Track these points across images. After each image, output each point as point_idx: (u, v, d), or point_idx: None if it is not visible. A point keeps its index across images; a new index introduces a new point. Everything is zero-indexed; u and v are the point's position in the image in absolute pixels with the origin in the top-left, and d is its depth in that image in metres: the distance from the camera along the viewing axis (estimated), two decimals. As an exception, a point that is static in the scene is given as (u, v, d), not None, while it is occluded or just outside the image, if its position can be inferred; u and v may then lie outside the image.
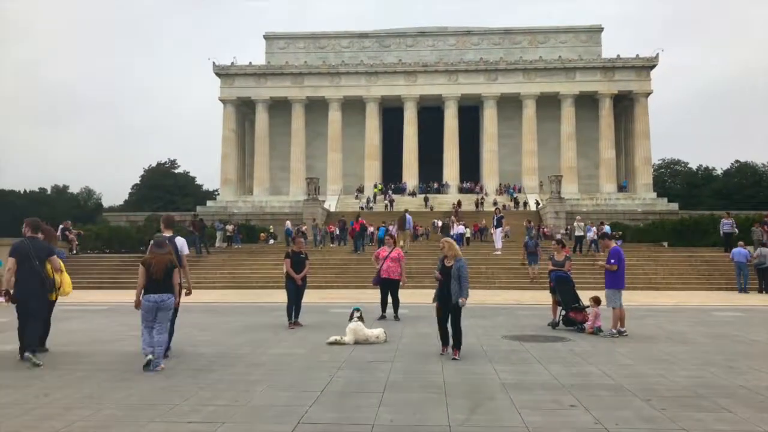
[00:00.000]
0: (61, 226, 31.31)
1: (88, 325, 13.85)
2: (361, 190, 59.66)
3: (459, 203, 50.53)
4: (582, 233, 30.86)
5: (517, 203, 53.86)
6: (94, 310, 17.05)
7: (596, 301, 12.52)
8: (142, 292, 8.65)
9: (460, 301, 9.30)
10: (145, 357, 8.43)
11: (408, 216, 31.45)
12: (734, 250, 24.30)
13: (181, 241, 10.05)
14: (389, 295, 14.51)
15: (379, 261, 14.53)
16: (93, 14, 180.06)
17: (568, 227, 32.63)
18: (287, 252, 14.05)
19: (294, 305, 13.32)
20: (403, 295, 16.31)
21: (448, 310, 9.46)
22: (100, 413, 6.27)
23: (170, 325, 9.15)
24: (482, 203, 53.32)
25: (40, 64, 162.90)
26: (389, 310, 14.51)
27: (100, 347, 10.55)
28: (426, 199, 55.18)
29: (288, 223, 37.83)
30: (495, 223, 31.98)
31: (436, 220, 43.48)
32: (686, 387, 7.46)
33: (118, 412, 6.33)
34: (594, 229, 30.84)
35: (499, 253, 30.51)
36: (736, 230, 28.21)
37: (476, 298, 20.73)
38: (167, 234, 9.91)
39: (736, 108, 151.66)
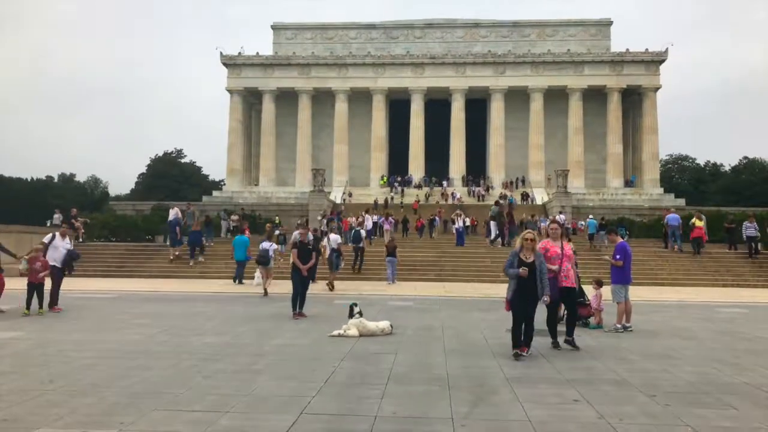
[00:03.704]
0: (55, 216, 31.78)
1: (94, 312, 13.91)
2: (367, 183, 59.52)
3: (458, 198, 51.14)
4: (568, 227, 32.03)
5: (525, 197, 53.69)
6: (101, 298, 17.13)
7: (599, 283, 12.86)
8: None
9: (545, 299, 8.85)
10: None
11: (437, 219, 38.66)
12: (668, 215, 29.94)
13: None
14: (552, 311, 9.89)
15: (549, 261, 9.65)
16: (99, 3, 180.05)
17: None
18: (294, 242, 14.05)
19: (299, 296, 13.33)
20: (403, 288, 16.08)
21: (527, 308, 8.90)
22: (104, 401, 6.30)
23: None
24: (482, 197, 53.49)
25: (47, 52, 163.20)
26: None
27: (105, 335, 10.60)
28: (427, 195, 55.19)
29: (175, 211, 29.59)
30: (490, 217, 32.55)
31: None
32: (691, 383, 7.43)
33: (122, 400, 6.35)
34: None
35: (489, 244, 31.37)
36: (759, 234, 28.33)
37: (482, 291, 20.75)
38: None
39: (745, 104, 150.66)
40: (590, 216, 36.06)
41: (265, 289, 18.71)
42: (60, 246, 14.63)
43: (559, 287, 9.69)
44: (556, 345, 9.72)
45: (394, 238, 27.74)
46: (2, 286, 13.75)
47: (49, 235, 14.99)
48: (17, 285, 15.38)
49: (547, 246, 9.94)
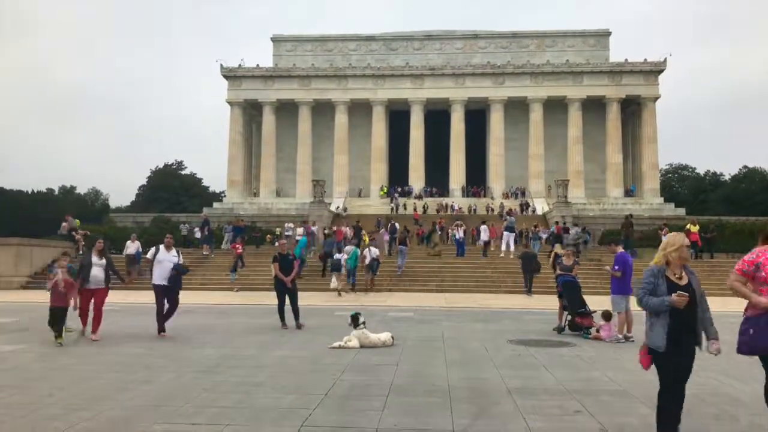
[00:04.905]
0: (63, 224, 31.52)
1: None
2: (368, 194, 59.56)
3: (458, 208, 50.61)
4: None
5: (524, 207, 53.63)
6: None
7: (606, 317, 12.26)
8: None
9: (712, 347, 5.17)
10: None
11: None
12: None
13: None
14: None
15: (756, 282, 5.46)
16: (101, 14, 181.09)
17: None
18: (275, 255, 13.88)
19: (292, 309, 13.33)
20: (404, 299, 15.73)
21: (687, 361, 5.22)
22: (103, 414, 6.27)
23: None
24: (492, 210, 53.31)
25: (49, 64, 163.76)
26: None
27: (105, 348, 10.57)
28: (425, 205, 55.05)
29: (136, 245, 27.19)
30: (505, 227, 32.39)
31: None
32: (693, 394, 7.38)
33: (122, 413, 6.33)
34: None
35: (502, 255, 30.83)
36: None
37: (483, 302, 20.70)
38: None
39: (745, 113, 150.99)
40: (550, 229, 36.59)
41: (339, 291, 22.74)
42: (165, 260, 12.15)
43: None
44: None
45: (404, 231, 30.93)
46: None
47: (152, 250, 12.61)
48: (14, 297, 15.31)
49: (762, 259, 5.42)
